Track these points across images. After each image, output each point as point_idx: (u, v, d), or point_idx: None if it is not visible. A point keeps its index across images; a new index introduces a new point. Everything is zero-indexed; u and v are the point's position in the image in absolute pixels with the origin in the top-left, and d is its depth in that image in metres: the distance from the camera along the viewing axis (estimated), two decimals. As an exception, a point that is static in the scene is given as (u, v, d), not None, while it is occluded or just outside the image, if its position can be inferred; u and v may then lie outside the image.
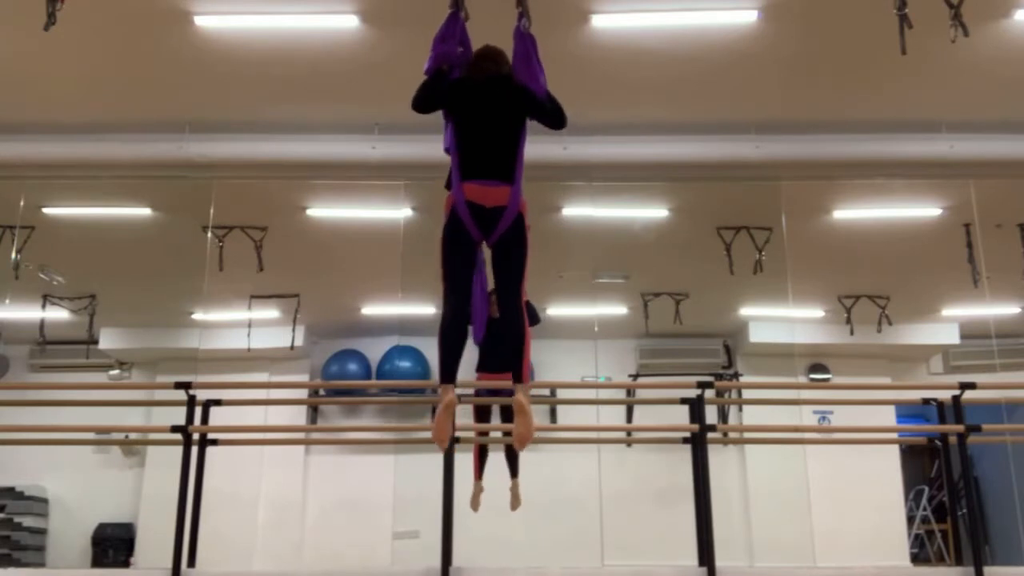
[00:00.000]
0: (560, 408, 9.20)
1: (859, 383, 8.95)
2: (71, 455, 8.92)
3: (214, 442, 5.77)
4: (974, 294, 7.64)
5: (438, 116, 3.63)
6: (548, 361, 9.11)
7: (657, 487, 8.62)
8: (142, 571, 8.32)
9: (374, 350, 9.71)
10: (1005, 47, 5.20)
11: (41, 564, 9.31)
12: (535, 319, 5.22)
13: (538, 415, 8.93)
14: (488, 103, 3.47)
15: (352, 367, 9.62)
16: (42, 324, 8.84)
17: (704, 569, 5.12)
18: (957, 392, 5.62)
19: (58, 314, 8.91)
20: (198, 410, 5.60)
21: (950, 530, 9.49)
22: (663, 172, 6.55)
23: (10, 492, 9.32)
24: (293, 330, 9.12)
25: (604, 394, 8.59)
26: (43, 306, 8.77)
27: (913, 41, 4.25)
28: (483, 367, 6.04)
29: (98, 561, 9.16)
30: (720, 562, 5.10)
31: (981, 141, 6.18)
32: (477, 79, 3.52)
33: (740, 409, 9.31)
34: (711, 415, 6.37)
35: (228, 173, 6.48)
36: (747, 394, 8.91)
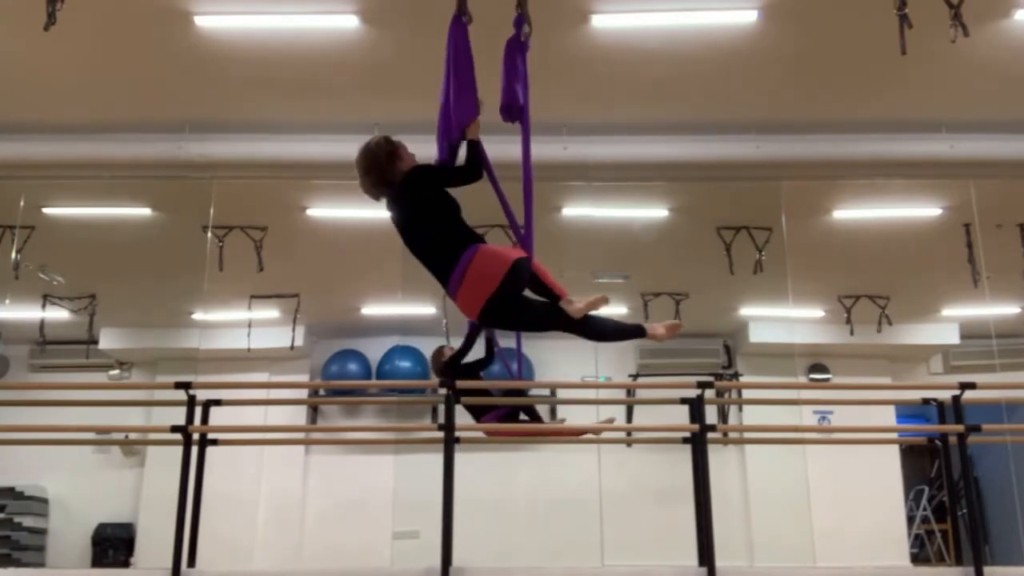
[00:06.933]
0: (560, 408, 9.19)
1: (859, 383, 8.95)
2: (71, 455, 8.93)
3: (214, 442, 5.75)
4: (974, 294, 7.64)
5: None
6: (548, 361, 9.11)
7: (657, 487, 8.60)
8: (142, 571, 8.31)
9: (374, 350, 9.71)
10: (1005, 47, 5.20)
11: (41, 564, 9.31)
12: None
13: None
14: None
15: (352, 367, 9.61)
16: (42, 324, 8.84)
17: (704, 569, 5.11)
18: (957, 392, 5.59)
19: (58, 314, 8.90)
20: (198, 410, 5.59)
21: (950, 530, 9.48)
22: (663, 172, 6.55)
23: (10, 492, 9.32)
24: (293, 330, 9.12)
25: (604, 394, 8.57)
26: (43, 306, 8.76)
27: (913, 41, 4.25)
28: None
29: (98, 561, 9.16)
30: (720, 562, 5.08)
31: (981, 141, 6.18)
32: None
33: (740, 409, 9.30)
34: (711, 415, 6.35)
35: (228, 173, 6.47)
36: (747, 394, 8.90)
